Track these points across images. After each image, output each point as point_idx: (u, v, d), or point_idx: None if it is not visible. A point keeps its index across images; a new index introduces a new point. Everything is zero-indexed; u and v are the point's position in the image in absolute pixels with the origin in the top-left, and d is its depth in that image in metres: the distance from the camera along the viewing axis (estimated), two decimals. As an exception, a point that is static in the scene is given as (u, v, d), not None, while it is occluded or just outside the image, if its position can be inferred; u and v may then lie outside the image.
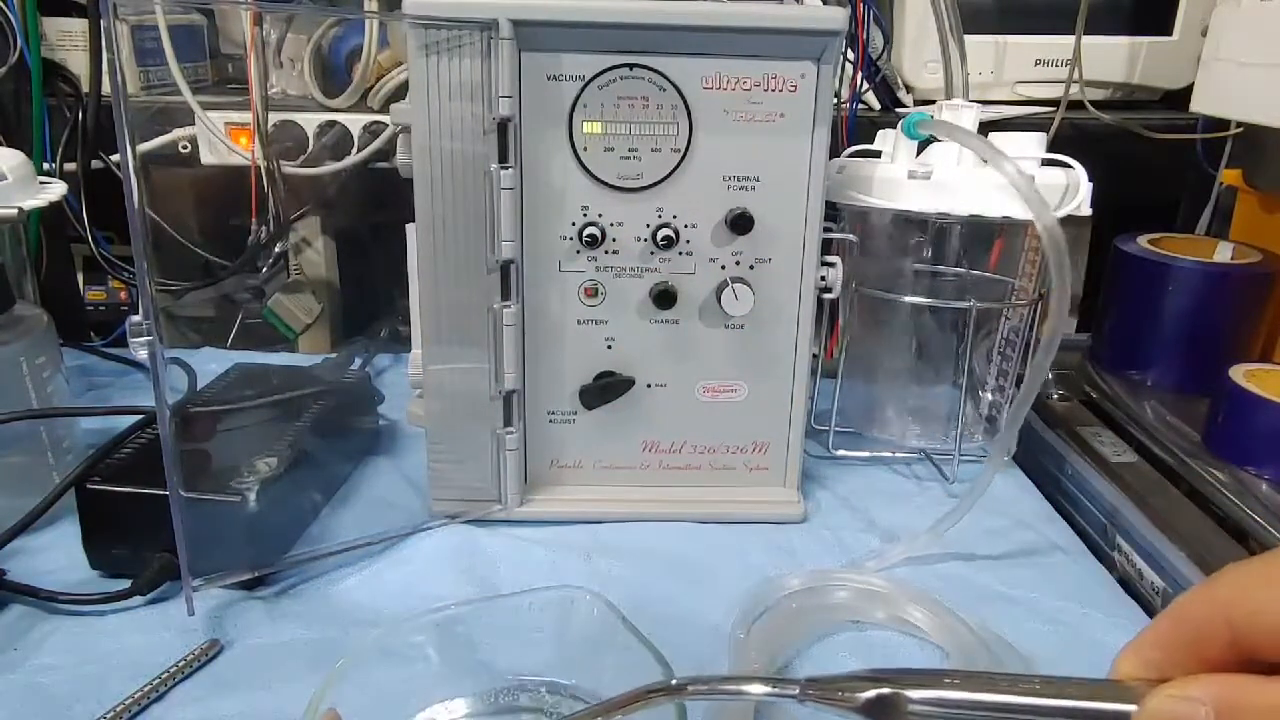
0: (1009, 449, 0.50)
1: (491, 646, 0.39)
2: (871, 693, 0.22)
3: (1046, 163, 0.56)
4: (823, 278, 0.54)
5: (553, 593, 0.40)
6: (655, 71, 0.48)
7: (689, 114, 0.49)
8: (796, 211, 0.52)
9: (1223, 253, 0.67)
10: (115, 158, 0.77)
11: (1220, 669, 0.19)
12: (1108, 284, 0.72)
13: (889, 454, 0.65)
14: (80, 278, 0.86)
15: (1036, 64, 0.79)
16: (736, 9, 0.49)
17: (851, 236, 0.61)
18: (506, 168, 0.48)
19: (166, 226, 0.79)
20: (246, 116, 0.74)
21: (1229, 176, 0.79)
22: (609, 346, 0.54)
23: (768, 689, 0.24)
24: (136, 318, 0.39)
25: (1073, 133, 0.77)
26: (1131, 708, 0.20)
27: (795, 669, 0.43)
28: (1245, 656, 0.19)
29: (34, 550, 0.50)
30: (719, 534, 0.55)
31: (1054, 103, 0.77)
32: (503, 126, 0.48)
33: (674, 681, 0.27)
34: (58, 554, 0.49)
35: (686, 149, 0.50)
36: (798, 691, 0.23)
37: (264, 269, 0.82)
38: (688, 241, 0.52)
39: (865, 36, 0.76)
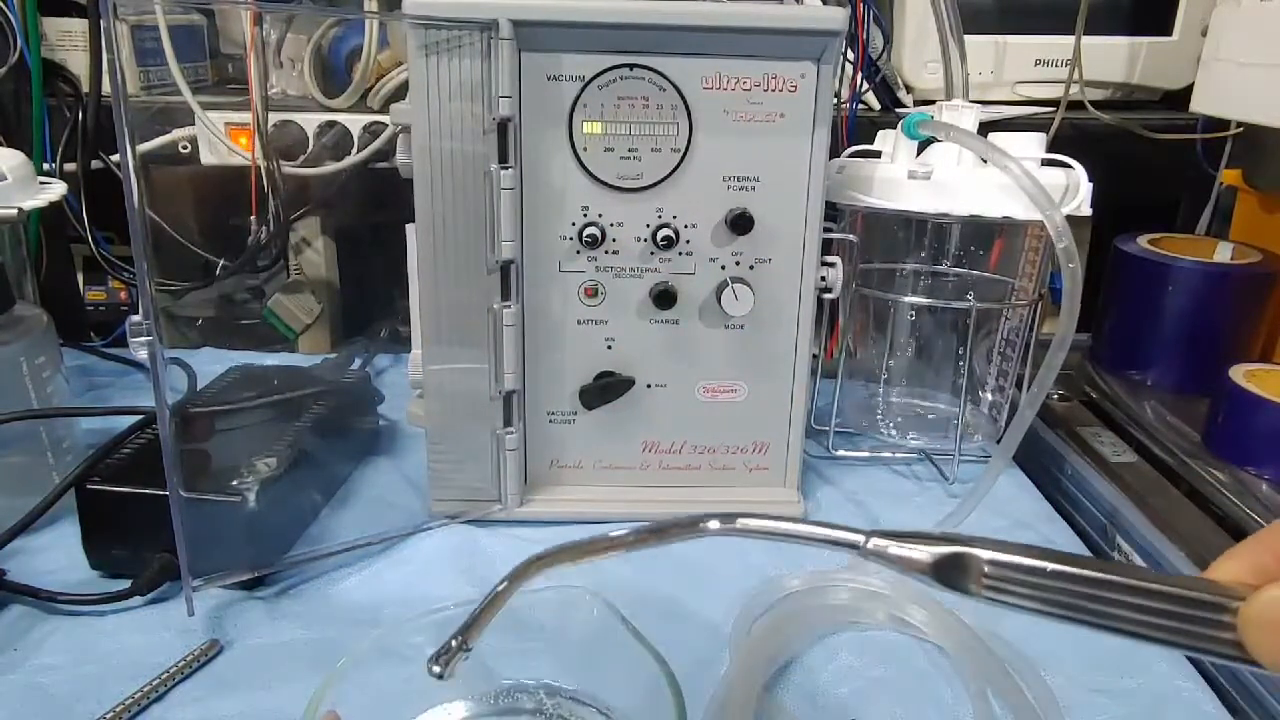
0: (1012, 451, 0.50)
1: (491, 647, 0.39)
2: (943, 549, 0.20)
3: (1046, 163, 0.56)
4: (823, 278, 0.54)
5: (553, 593, 0.40)
6: (655, 71, 0.48)
7: (689, 114, 0.49)
8: (796, 211, 0.52)
9: (1223, 253, 0.67)
10: (115, 158, 0.77)
11: None
12: (1108, 284, 0.72)
13: (889, 454, 0.65)
14: (80, 278, 0.86)
15: (1036, 64, 0.79)
16: (736, 9, 0.49)
17: (851, 236, 0.61)
18: (506, 168, 0.48)
19: (166, 227, 0.79)
20: (246, 116, 0.74)
21: (1229, 176, 0.79)
22: (609, 346, 0.54)
23: (831, 534, 0.22)
24: (136, 318, 0.39)
25: (1073, 133, 0.77)
26: (1236, 602, 0.19)
27: (795, 669, 0.43)
28: None
29: (34, 550, 0.50)
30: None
31: (1054, 103, 0.77)
32: (503, 126, 0.48)
33: (725, 513, 0.25)
34: (58, 554, 0.49)
35: (686, 149, 0.50)
36: (863, 542, 0.22)
37: (264, 269, 0.82)
38: (688, 241, 0.52)
39: (865, 36, 0.76)
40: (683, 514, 0.24)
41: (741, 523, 0.23)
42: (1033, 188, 0.46)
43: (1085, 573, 0.19)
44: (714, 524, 0.24)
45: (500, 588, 0.28)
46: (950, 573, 0.20)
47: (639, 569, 0.51)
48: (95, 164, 0.77)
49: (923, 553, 0.21)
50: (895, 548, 0.21)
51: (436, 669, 0.30)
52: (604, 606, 0.38)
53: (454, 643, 0.30)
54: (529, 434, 0.55)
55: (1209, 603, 0.19)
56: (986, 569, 0.20)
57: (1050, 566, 0.19)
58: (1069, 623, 0.19)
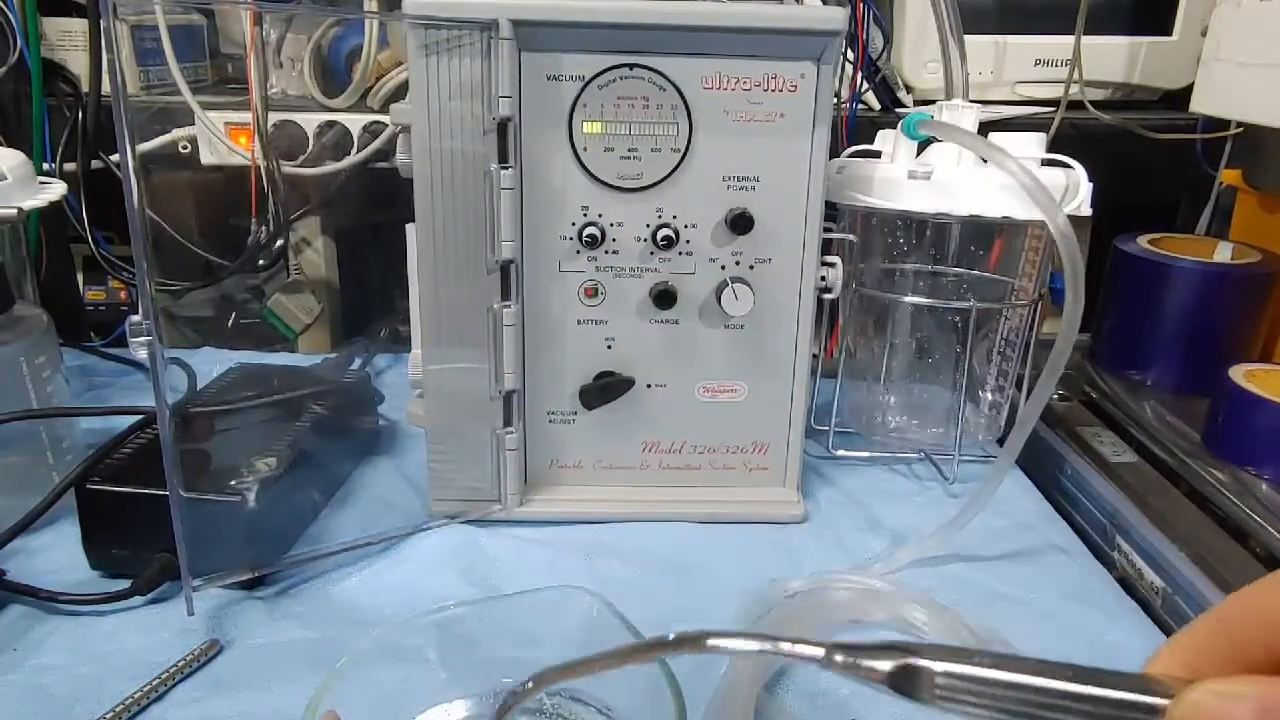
0: (1015, 455, 0.50)
1: (492, 647, 0.39)
2: (898, 663, 0.21)
3: (1046, 163, 0.56)
4: (823, 278, 0.54)
5: (553, 593, 0.40)
6: (655, 71, 0.48)
7: (689, 114, 0.49)
8: (796, 211, 0.52)
9: (1223, 253, 0.67)
10: (115, 158, 0.77)
11: (1258, 674, 0.19)
12: (1108, 284, 0.72)
13: (889, 454, 0.65)
14: (80, 278, 0.86)
15: (1036, 64, 0.79)
16: (736, 9, 0.49)
17: (851, 236, 0.61)
18: (506, 168, 0.48)
19: (166, 227, 0.79)
20: (246, 116, 0.74)
21: (1229, 176, 0.79)
22: (609, 346, 0.54)
23: (792, 649, 0.23)
24: (136, 318, 0.39)
25: (1073, 133, 0.77)
26: (1165, 701, 0.19)
27: (795, 669, 0.43)
28: None
29: (34, 550, 0.50)
30: (719, 534, 0.55)
31: (1054, 103, 0.77)
32: (503, 126, 0.48)
33: (690, 634, 0.25)
34: (58, 554, 0.49)
35: (686, 149, 0.50)
36: (823, 654, 0.22)
37: (264, 269, 0.82)
38: (688, 241, 0.52)
39: (865, 36, 0.76)
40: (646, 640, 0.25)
41: (710, 643, 0.24)
42: (1035, 188, 0.46)
43: (1027, 680, 0.20)
44: (679, 643, 0.25)
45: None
46: (905, 683, 0.21)
47: (639, 569, 0.51)
48: (95, 164, 0.77)
49: (880, 665, 0.21)
50: (853, 659, 0.22)
51: None
52: (604, 606, 0.38)
53: None
54: (529, 434, 0.55)
55: (1140, 704, 0.19)
56: (938, 679, 0.21)
57: (995, 676, 0.20)
58: None
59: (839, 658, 0.22)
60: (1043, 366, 0.47)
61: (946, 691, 0.21)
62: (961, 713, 0.21)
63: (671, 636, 0.25)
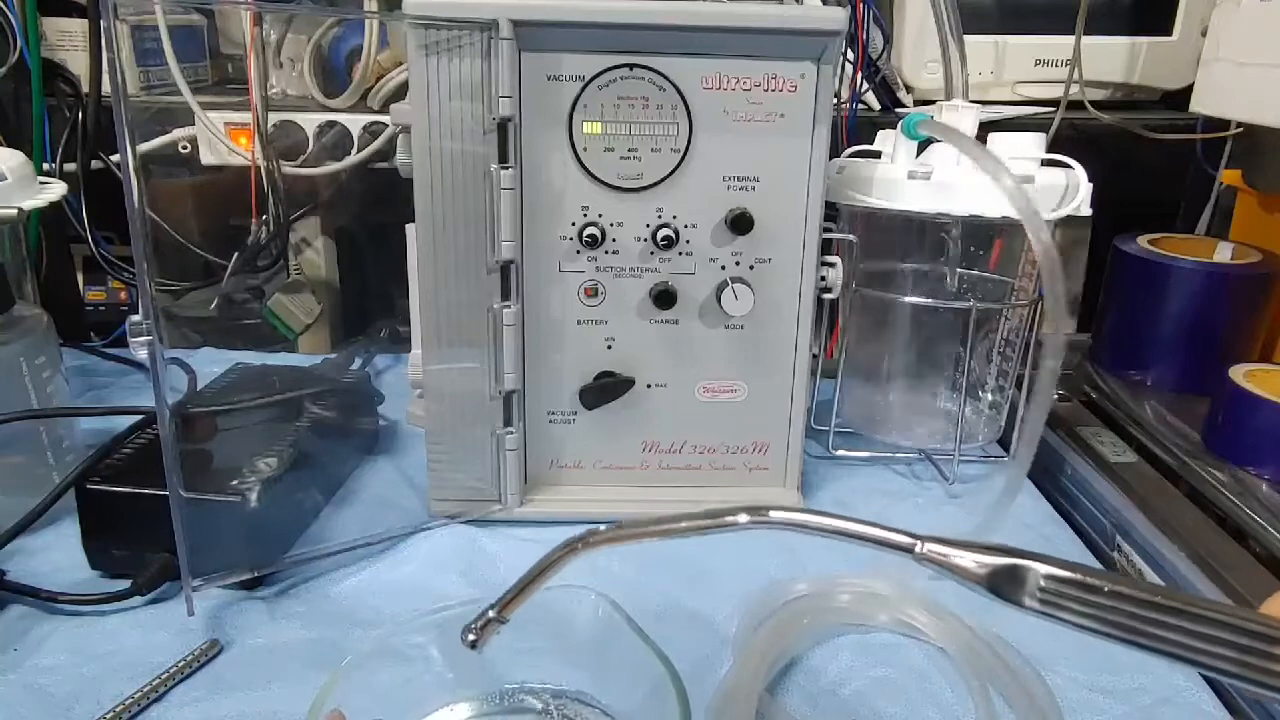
0: (1027, 467, 0.50)
1: (494, 646, 0.39)
2: (999, 560, 0.21)
3: (1046, 163, 0.56)
4: (823, 278, 0.54)
5: (555, 592, 0.40)
6: (655, 71, 0.48)
7: (689, 114, 0.49)
8: (796, 211, 0.52)
9: (1223, 253, 0.67)
10: (115, 158, 0.77)
11: None
12: (1108, 284, 0.72)
13: (889, 454, 0.65)
14: (80, 278, 0.86)
15: (1036, 64, 0.79)
16: (736, 9, 0.49)
17: (851, 236, 0.61)
18: (506, 168, 0.48)
19: (166, 227, 0.79)
20: (246, 116, 0.74)
21: (1229, 176, 0.79)
22: (609, 346, 0.54)
23: (885, 535, 0.22)
24: (136, 318, 0.39)
25: (1073, 133, 0.77)
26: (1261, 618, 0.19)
27: (797, 670, 0.43)
28: None
29: (34, 550, 0.50)
30: (719, 534, 0.54)
31: (1054, 103, 0.77)
32: (503, 126, 0.48)
33: (756, 505, 0.24)
34: (58, 554, 0.49)
35: (686, 149, 0.50)
36: (917, 546, 0.22)
37: (264, 269, 0.82)
38: (688, 241, 0.52)
39: (865, 36, 0.76)
40: (734, 503, 0.24)
41: (793, 516, 0.23)
42: (1017, 194, 0.45)
43: (1141, 595, 0.20)
44: (775, 514, 0.23)
45: (543, 563, 0.28)
46: (1005, 584, 0.21)
47: (643, 569, 0.51)
48: (95, 164, 0.77)
49: (977, 562, 0.21)
50: (950, 554, 0.21)
51: (471, 638, 0.30)
52: (609, 606, 0.38)
53: (490, 613, 0.30)
54: (529, 434, 0.55)
55: (1264, 634, 0.19)
56: (1043, 583, 0.20)
57: (1108, 586, 0.20)
58: (1121, 643, 0.19)
59: (934, 551, 0.21)
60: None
61: (1049, 596, 0.20)
62: (1061, 619, 0.20)
63: (745, 517, 0.24)
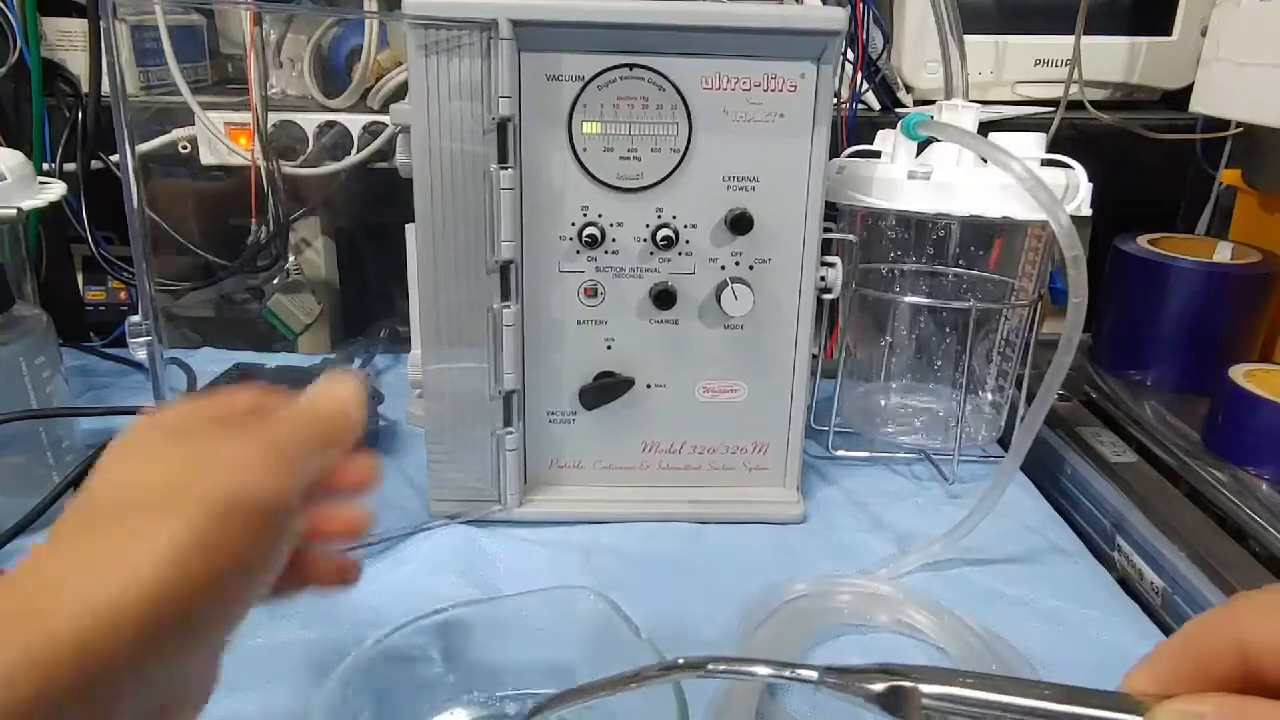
0: (1021, 458, 0.50)
1: (493, 647, 0.39)
2: (886, 684, 0.23)
3: (1046, 163, 0.56)
4: (823, 278, 0.54)
5: (554, 592, 0.40)
6: (655, 71, 0.48)
7: (689, 114, 0.49)
8: (796, 211, 0.52)
9: (1223, 253, 0.67)
10: (115, 158, 0.77)
11: (1228, 690, 0.20)
12: (1108, 284, 0.72)
13: (889, 454, 0.65)
14: (80, 278, 0.86)
15: (1036, 64, 0.79)
16: (736, 9, 0.49)
17: (851, 236, 0.61)
18: (506, 168, 0.48)
19: (166, 227, 0.79)
20: (246, 116, 0.74)
21: (1229, 176, 0.78)
22: (609, 346, 0.54)
23: (784, 673, 0.25)
24: (136, 318, 0.39)
25: (1072, 133, 0.77)
26: (1136, 719, 0.20)
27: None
28: (1254, 681, 0.20)
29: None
30: (719, 534, 0.55)
31: (1054, 103, 0.77)
32: (503, 126, 0.48)
33: (694, 659, 0.27)
34: (57, 554, 0.49)
35: (686, 149, 0.50)
36: (816, 677, 0.24)
37: (264, 269, 0.82)
38: (687, 241, 0.52)
39: (865, 36, 0.76)
40: (652, 663, 0.28)
41: (712, 668, 0.27)
42: (1036, 186, 0.46)
43: (1010, 700, 0.21)
44: (684, 668, 0.28)
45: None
46: (894, 703, 0.23)
47: (639, 569, 0.51)
48: (95, 164, 0.77)
49: (871, 686, 0.23)
50: (844, 681, 0.24)
51: None
52: (606, 606, 0.38)
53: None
54: (529, 434, 0.55)
55: (1131, 707, 0.20)
56: (925, 700, 0.22)
57: (979, 696, 0.22)
58: None
59: (831, 680, 0.24)
60: (1043, 366, 0.47)
61: (934, 711, 0.22)
62: None
63: (681, 660, 0.27)
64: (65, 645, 0.21)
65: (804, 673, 0.24)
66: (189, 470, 0.25)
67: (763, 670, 0.25)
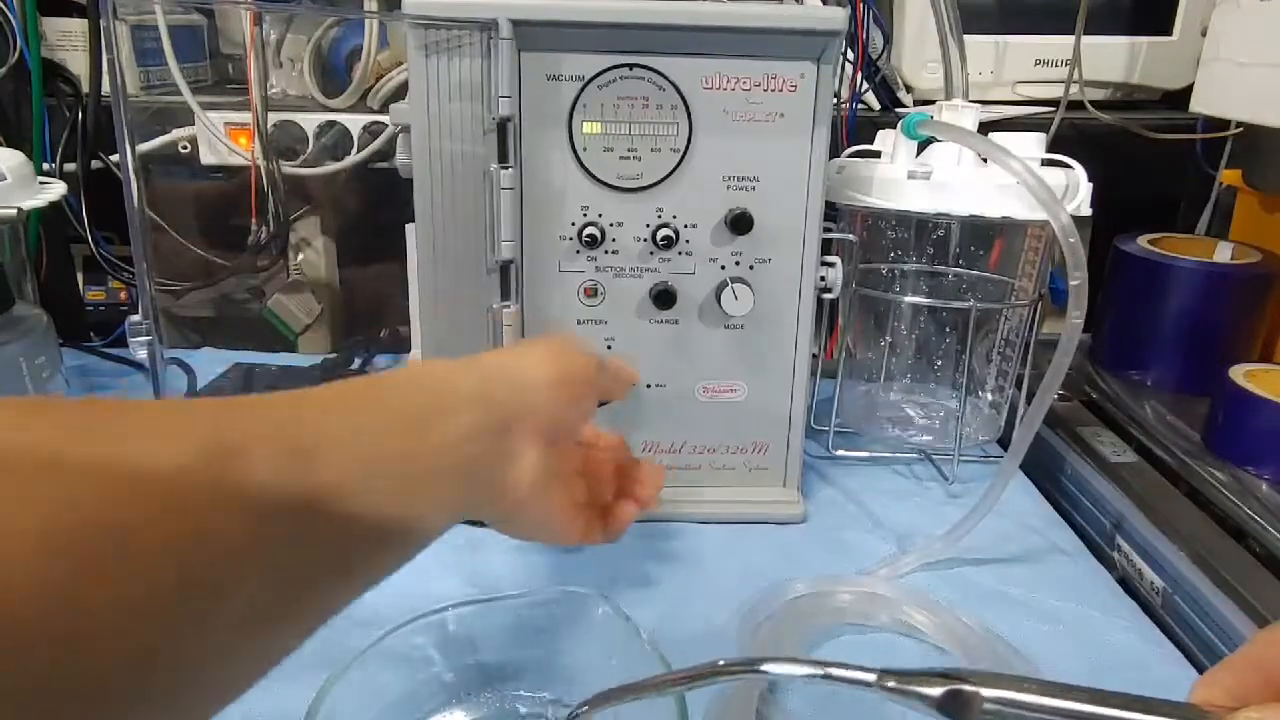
0: (1020, 457, 0.50)
1: (495, 648, 0.39)
2: (946, 688, 0.22)
3: (1046, 163, 0.56)
4: (823, 278, 0.54)
5: (554, 593, 0.40)
6: (655, 71, 0.48)
7: (689, 114, 0.49)
8: (796, 211, 0.52)
9: (1223, 253, 0.67)
10: (115, 158, 0.77)
11: None
12: (1108, 284, 0.72)
13: (889, 454, 0.65)
14: (80, 278, 0.86)
15: (1036, 64, 0.79)
16: (736, 9, 0.49)
17: (851, 236, 0.61)
18: (506, 168, 0.48)
19: (166, 227, 0.79)
20: (246, 116, 0.74)
21: (1229, 176, 0.79)
22: (609, 346, 0.54)
23: (839, 674, 0.24)
24: (136, 317, 0.39)
25: (1072, 133, 0.77)
26: None
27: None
28: None
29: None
30: (719, 534, 0.55)
31: (1054, 103, 0.77)
32: (502, 126, 0.48)
33: (745, 659, 0.26)
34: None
35: (686, 149, 0.50)
36: (874, 680, 0.23)
37: (264, 269, 0.82)
38: (688, 241, 0.52)
39: (865, 36, 0.76)
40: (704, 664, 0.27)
41: (764, 668, 0.26)
42: (1036, 185, 0.46)
43: (1075, 707, 0.21)
44: (733, 669, 0.27)
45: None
46: (954, 707, 0.22)
47: (639, 569, 0.51)
48: (95, 164, 0.77)
49: (930, 690, 0.23)
50: (905, 685, 0.23)
51: None
52: (606, 606, 0.38)
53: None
54: (529, 434, 0.55)
55: None
56: (986, 705, 0.22)
57: (1044, 702, 0.21)
58: None
59: (890, 683, 0.23)
60: (1043, 367, 0.47)
61: (994, 717, 0.22)
62: None
63: (723, 662, 0.26)
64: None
65: (860, 675, 0.24)
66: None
67: (816, 671, 0.25)
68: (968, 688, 0.22)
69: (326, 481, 0.25)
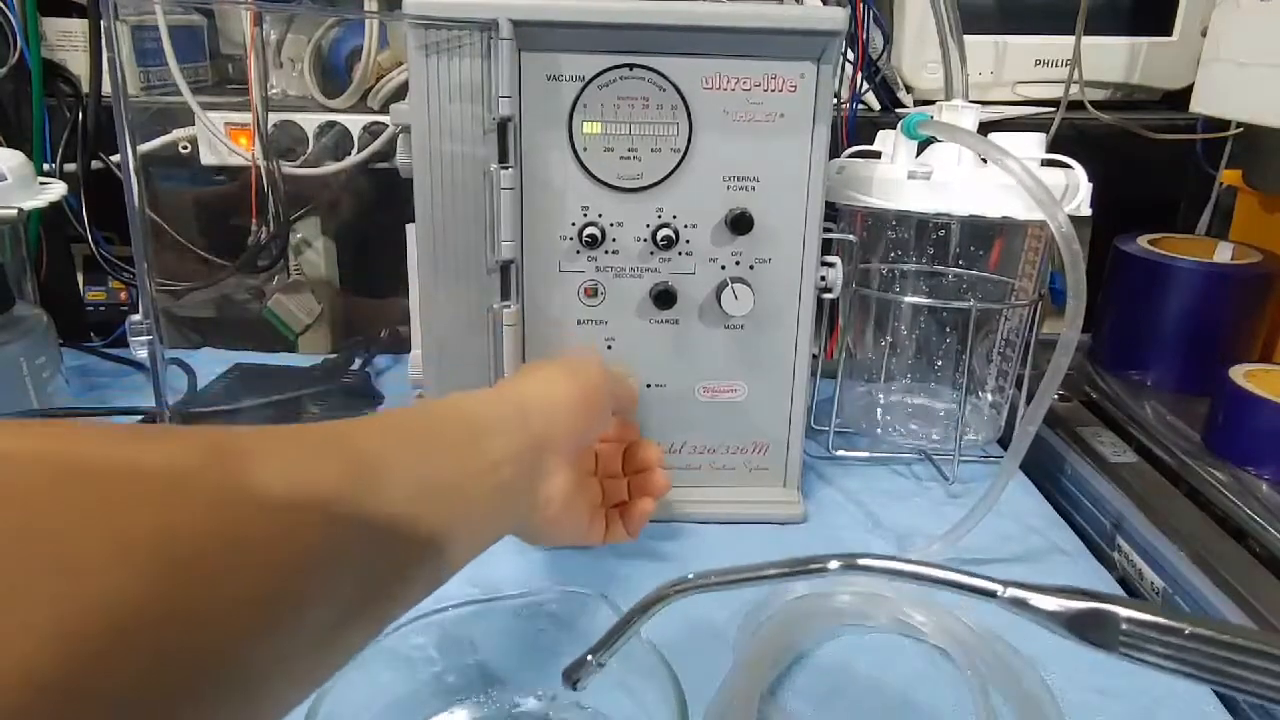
0: (1020, 457, 0.50)
1: (493, 647, 0.39)
2: (1081, 605, 0.21)
3: (1046, 163, 0.56)
4: (823, 278, 0.54)
5: (554, 593, 0.40)
6: (655, 71, 0.48)
7: (689, 114, 0.49)
8: (796, 211, 0.52)
9: (1223, 253, 0.67)
10: (115, 158, 0.77)
11: None
12: (1108, 284, 0.72)
13: (889, 454, 0.65)
14: (80, 278, 0.86)
15: (1036, 64, 0.79)
16: (736, 9, 0.49)
17: (851, 236, 0.61)
18: (506, 168, 0.48)
19: (166, 227, 0.79)
20: (246, 116, 0.74)
21: (1229, 176, 0.79)
22: (609, 346, 0.54)
23: (969, 580, 0.23)
24: (136, 317, 0.39)
25: (1073, 133, 0.77)
26: None
27: (798, 671, 0.43)
28: None
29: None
30: (719, 534, 0.55)
31: (1054, 103, 0.77)
32: (503, 126, 0.48)
33: (848, 553, 0.25)
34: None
35: (686, 149, 0.50)
36: (1000, 591, 0.23)
37: (264, 269, 0.82)
38: (688, 241, 0.52)
39: (865, 36, 0.76)
40: (817, 554, 0.26)
41: (882, 564, 0.24)
42: (1035, 187, 0.46)
43: (1222, 637, 0.20)
44: (865, 561, 0.25)
45: (635, 610, 0.30)
46: (1088, 628, 0.21)
47: (639, 570, 0.51)
48: (95, 164, 0.77)
49: (1062, 607, 0.22)
50: (1035, 599, 0.22)
51: (574, 678, 0.33)
52: (610, 608, 0.38)
53: (589, 658, 0.32)
54: (529, 434, 0.55)
55: None
56: (1124, 626, 0.21)
57: (1188, 629, 0.20)
58: (1203, 683, 0.20)
59: (1013, 593, 0.22)
60: (1043, 366, 0.47)
61: (1132, 640, 0.21)
62: (1145, 662, 0.21)
63: (829, 556, 0.25)
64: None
65: (983, 583, 0.23)
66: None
67: (939, 574, 0.23)
68: (1108, 607, 0.21)
69: (392, 500, 0.27)
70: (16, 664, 0.16)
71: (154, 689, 0.19)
